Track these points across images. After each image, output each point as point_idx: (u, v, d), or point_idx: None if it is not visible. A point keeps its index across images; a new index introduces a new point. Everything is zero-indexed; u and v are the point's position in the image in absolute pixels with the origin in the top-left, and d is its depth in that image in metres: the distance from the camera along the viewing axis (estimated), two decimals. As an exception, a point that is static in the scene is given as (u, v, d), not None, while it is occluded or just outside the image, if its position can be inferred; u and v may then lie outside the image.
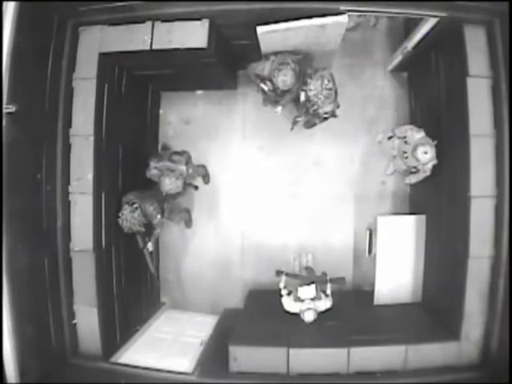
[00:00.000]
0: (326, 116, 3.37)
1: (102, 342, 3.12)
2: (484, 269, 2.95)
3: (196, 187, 4.32)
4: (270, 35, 3.02)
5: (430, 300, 3.68)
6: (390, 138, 3.61)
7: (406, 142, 3.32)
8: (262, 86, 3.24)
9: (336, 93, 3.19)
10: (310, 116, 3.47)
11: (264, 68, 3.12)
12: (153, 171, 3.52)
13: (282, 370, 2.95)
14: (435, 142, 3.20)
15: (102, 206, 3.21)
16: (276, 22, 2.92)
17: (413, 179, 3.53)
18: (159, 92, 4.36)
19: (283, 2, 2.85)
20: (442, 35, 3.20)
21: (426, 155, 3.13)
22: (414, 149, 3.16)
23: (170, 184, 3.38)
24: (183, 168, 3.56)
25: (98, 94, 3.09)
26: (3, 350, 2.45)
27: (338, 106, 3.35)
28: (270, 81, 3.14)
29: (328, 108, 3.24)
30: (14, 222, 2.53)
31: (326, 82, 3.04)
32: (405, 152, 3.32)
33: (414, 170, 3.40)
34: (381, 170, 4.26)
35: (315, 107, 3.19)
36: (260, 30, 2.96)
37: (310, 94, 3.08)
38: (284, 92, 3.19)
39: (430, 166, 3.26)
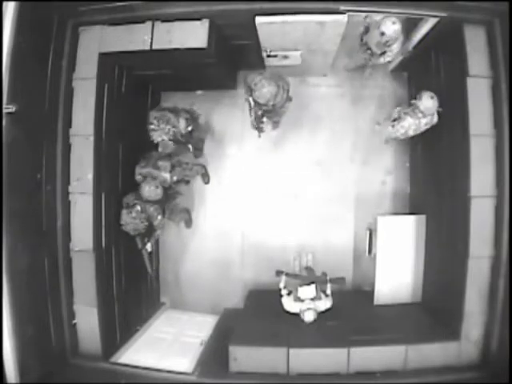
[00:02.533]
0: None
1: (102, 342, 3.12)
2: (484, 269, 2.95)
3: (187, 182, 4.25)
4: (268, 27, 3.03)
5: (430, 300, 3.68)
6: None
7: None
8: (249, 98, 3.17)
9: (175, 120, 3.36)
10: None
11: (253, 79, 3.07)
12: (137, 177, 3.50)
13: (282, 370, 2.95)
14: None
15: (102, 206, 3.21)
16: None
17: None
18: (159, 92, 4.36)
19: (283, 2, 2.85)
20: (442, 35, 3.20)
21: (431, 100, 3.06)
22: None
23: (148, 192, 3.33)
24: (166, 176, 3.54)
25: (98, 94, 3.09)
26: (3, 350, 2.45)
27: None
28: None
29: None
30: (14, 222, 2.53)
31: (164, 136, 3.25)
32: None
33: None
34: (381, 169, 4.27)
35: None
36: (258, 20, 2.97)
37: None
38: (263, 108, 3.16)
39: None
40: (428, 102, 3.07)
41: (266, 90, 2.94)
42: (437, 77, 3.49)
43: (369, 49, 3.36)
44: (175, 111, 3.45)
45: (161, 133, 3.24)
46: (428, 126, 3.24)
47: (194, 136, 3.69)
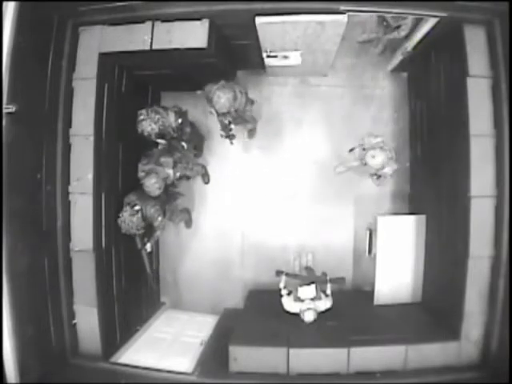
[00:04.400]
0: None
1: (102, 342, 3.12)
2: (484, 269, 2.95)
3: (188, 178, 4.21)
4: (268, 27, 3.03)
5: (430, 300, 3.68)
6: (351, 150, 3.66)
7: (363, 149, 3.39)
8: (212, 109, 3.18)
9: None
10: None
11: (211, 89, 3.08)
12: (140, 174, 3.47)
13: (282, 370, 2.95)
14: (389, 147, 3.29)
15: (101, 206, 3.21)
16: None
17: (376, 182, 3.70)
18: (159, 92, 4.36)
19: (283, 2, 2.85)
20: (441, 35, 3.20)
21: (373, 159, 3.21)
22: (366, 153, 3.25)
23: (148, 186, 3.31)
24: (169, 172, 3.52)
25: (98, 94, 3.09)
26: (3, 350, 2.45)
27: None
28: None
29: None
30: (14, 222, 2.53)
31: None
32: (362, 159, 3.39)
33: (375, 176, 3.53)
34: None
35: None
36: (258, 20, 2.97)
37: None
38: (228, 118, 3.18)
39: (388, 171, 3.35)
40: (373, 162, 3.24)
41: (223, 101, 3.00)
42: (437, 77, 3.49)
43: (385, 20, 3.45)
44: (163, 107, 3.48)
45: (150, 122, 3.19)
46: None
47: (186, 132, 3.66)
